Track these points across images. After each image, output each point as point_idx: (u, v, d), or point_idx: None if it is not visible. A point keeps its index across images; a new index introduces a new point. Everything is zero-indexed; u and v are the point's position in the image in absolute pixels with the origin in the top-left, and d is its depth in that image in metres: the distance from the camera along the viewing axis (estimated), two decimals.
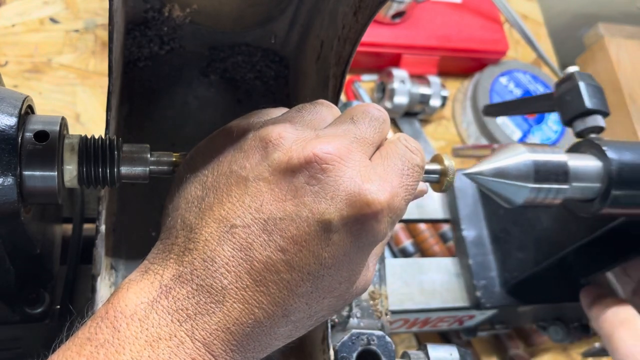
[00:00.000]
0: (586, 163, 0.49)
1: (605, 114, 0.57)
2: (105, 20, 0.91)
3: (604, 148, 0.49)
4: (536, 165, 0.45)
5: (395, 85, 0.97)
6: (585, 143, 0.52)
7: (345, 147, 0.33)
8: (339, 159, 0.32)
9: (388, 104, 0.98)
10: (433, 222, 0.83)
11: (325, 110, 0.38)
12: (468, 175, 0.44)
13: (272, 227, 0.31)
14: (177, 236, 0.33)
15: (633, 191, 0.49)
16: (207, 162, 0.35)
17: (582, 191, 0.49)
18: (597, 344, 0.85)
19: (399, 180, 0.35)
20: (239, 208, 0.32)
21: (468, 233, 0.72)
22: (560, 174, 0.46)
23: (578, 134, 0.57)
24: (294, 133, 0.34)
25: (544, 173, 0.45)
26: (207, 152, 0.36)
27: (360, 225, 0.32)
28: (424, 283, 0.71)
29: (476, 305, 0.68)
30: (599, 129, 0.56)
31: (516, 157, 0.45)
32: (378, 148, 0.37)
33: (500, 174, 0.44)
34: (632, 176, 0.49)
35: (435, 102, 1.00)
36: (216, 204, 0.33)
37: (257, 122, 0.36)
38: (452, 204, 0.75)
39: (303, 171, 0.32)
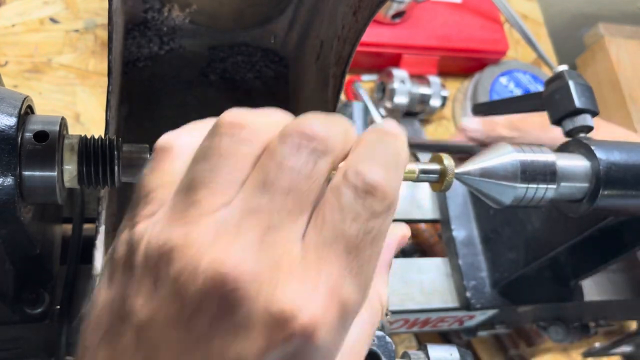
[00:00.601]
0: (575, 163, 0.49)
1: (594, 113, 0.57)
2: (105, 20, 0.91)
3: (593, 147, 0.49)
4: (523, 165, 0.45)
5: (395, 85, 0.97)
6: (574, 142, 0.52)
7: (251, 255, 0.23)
8: (244, 279, 0.22)
9: (388, 104, 0.98)
10: (424, 222, 0.83)
11: (229, 165, 0.25)
12: (455, 175, 0.44)
13: None
14: None
15: (621, 191, 0.49)
16: (102, 296, 0.26)
17: (571, 191, 0.48)
18: (597, 344, 0.85)
19: (342, 264, 0.24)
20: None
21: (458, 233, 0.72)
22: (548, 173, 0.46)
23: (567, 134, 0.57)
24: (181, 244, 0.23)
25: (531, 173, 0.45)
26: (102, 282, 0.27)
27: (291, 357, 0.23)
28: (424, 283, 0.70)
29: (466, 306, 0.68)
30: (588, 129, 0.56)
31: (503, 157, 0.44)
32: (316, 206, 0.25)
33: (487, 173, 0.43)
34: (620, 176, 0.48)
35: (435, 102, 1.00)
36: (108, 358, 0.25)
37: (137, 237, 0.25)
38: (442, 204, 0.75)
39: (204, 308, 0.23)
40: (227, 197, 0.24)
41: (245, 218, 0.24)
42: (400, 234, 0.33)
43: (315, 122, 0.25)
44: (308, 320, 0.23)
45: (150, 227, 0.25)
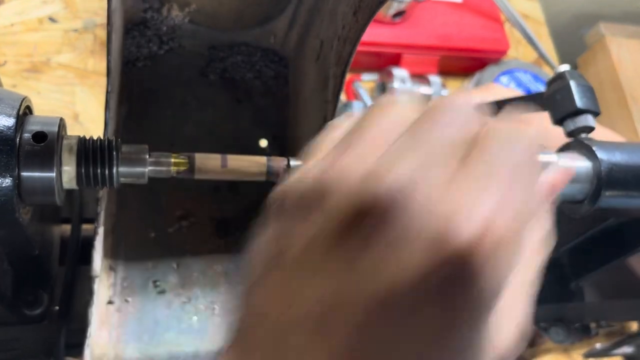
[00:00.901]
0: (576, 164, 0.49)
1: (595, 114, 0.57)
2: (105, 20, 0.91)
3: (594, 148, 0.49)
4: None
5: (396, 84, 0.96)
6: (575, 143, 0.52)
7: (410, 170, 0.22)
8: (402, 190, 0.22)
9: None
10: None
11: (386, 119, 0.26)
12: None
13: (323, 321, 0.22)
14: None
15: (623, 192, 0.49)
16: (258, 239, 0.26)
17: (572, 192, 0.48)
18: (598, 345, 0.85)
19: (501, 187, 0.23)
20: (285, 294, 0.23)
21: None
22: None
23: (569, 134, 0.57)
24: (341, 179, 0.23)
25: None
26: (264, 227, 0.27)
27: (447, 283, 0.21)
28: None
29: None
30: (590, 129, 0.56)
31: None
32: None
33: None
34: (622, 177, 0.48)
35: None
36: (250, 292, 0.25)
37: (293, 180, 0.26)
38: None
39: (359, 229, 0.22)
40: (380, 145, 0.24)
41: (401, 152, 0.23)
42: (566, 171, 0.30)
43: (458, 97, 0.28)
44: (466, 235, 0.21)
45: (306, 170, 0.25)
